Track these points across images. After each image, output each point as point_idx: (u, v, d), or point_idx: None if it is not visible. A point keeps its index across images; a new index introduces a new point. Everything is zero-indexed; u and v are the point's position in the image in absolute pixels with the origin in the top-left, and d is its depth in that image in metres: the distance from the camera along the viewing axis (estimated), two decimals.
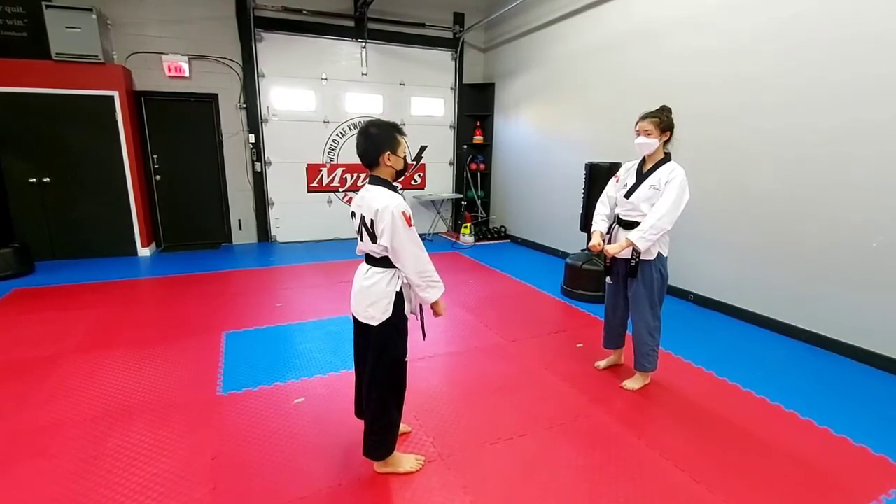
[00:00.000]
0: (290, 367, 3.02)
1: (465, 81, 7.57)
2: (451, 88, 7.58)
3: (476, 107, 7.64)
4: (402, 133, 1.89)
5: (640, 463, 2.14)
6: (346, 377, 2.89)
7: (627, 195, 2.64)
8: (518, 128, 6.97)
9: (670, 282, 4.52)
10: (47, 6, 4.96)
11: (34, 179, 5.34)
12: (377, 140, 1.83)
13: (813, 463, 2.15)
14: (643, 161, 2.66)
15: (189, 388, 2.76)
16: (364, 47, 6.79)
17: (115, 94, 5.39)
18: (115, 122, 5.46)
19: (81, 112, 5.33)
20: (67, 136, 5.36)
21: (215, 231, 6.70)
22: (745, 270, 3.87)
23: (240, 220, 6.74)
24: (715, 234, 4.09)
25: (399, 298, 1.89)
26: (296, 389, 2.75)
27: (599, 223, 2.77)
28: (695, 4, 4.09)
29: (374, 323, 1.87)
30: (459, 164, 7.84)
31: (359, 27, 6.67)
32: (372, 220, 1.80)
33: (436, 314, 1.97)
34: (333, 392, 2.72)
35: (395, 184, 1.93)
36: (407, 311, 1.96)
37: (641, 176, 2.62)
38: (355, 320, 1.99)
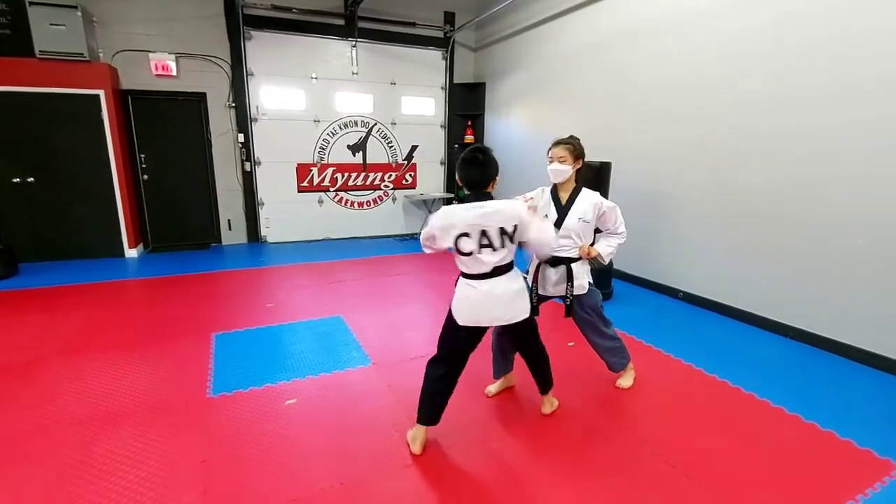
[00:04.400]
0: (281, 369, 2.99)
1: (455, 81, 7.57)
2: (442, 88, 7.57)
3: (467, 106, 7.64)
4: None
5: (634, 461, 2.16)
6: (338, 378, 2.87)
7: (555, 226, 2.43)
8: (509, 127, 6.99)
9: (660, 279, 4.62)
10: (31, 3, 4.85)
11: (18, 179, 5.24)
12: (495, 166, 2.11)
13: (800, 457, 2.19)
14: (555, 189, 2.53)
15: (178, 390, 2.72)
16: (354, 46, 6.76)
17: (101, 92, 5.30)
18: (101, 121, 5.37)
19: (66, 111, 5.24)
20: (52, 136, 5.26)
21: (204, 231, 6.62)
22: (735, 268, 3.91)
23: (229, 221, 6.68)
24: (704, 233, 4.14)
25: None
26: (287, 391, 2.73)
27: None
28: (683, 5, 4.13)
29: (526, 314, 2.19)
30: (450, 163, 7.84)
31: (349, 26, 6.63)
32: (515, 226, 2.03)
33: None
34: (325, 393, 2.71)
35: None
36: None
37: (562, 207, 2.48)
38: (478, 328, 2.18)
